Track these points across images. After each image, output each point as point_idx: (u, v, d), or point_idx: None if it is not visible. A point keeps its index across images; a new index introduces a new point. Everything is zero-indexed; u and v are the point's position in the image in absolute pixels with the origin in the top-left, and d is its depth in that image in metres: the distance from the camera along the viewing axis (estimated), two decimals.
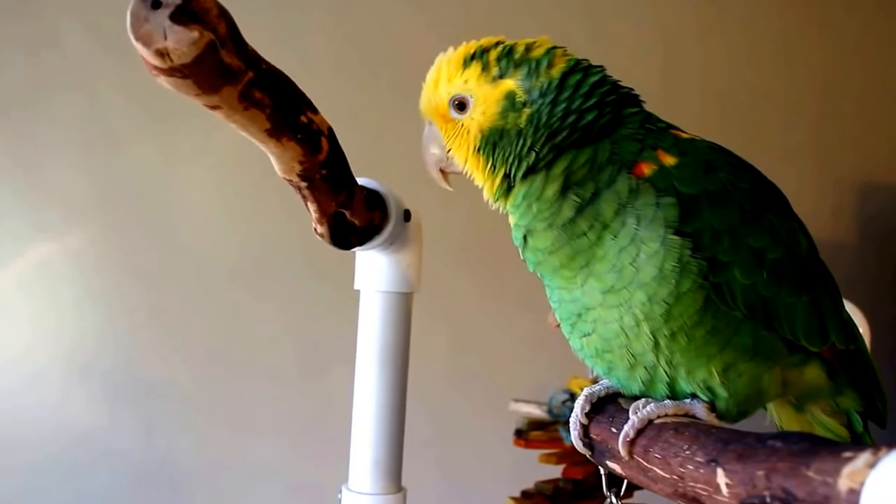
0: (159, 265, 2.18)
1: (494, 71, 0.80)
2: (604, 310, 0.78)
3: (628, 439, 0.76)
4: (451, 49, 0.84)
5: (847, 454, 0.47)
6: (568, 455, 1.58)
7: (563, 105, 0.79)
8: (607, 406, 0.86)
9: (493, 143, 0.81)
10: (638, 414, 0.77)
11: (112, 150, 2.17)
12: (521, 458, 1.67)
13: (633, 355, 0.79)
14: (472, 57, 0.81)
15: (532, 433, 1.65)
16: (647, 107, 0.85)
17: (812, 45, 2.48)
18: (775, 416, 0.91)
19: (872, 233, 2.49)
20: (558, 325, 1.84)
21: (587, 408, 0.85)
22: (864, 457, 0.46)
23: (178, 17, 0.64)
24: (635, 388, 0.82)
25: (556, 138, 0.79)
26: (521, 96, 0.80)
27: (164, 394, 2.14)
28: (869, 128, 2.51)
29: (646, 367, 0.79)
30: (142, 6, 0.64)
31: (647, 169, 0.77)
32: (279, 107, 0.78)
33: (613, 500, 1.05)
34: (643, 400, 0.79)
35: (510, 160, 0.80)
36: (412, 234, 1.09)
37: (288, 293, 2.20)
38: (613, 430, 0.80)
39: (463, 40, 0.84)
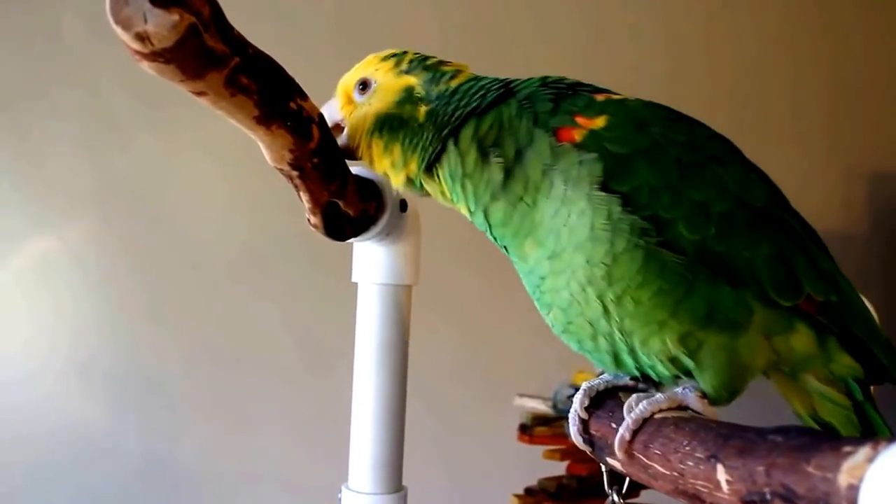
0: (159, 260, 2.17)
1: (403, 67, 0.86)
2: (553, 277, 0.78)
3: (626, 440, 0.74)
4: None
5: (847, 448, 0.46)
6: (573, 451, 1.56)
7: (455, 104, 0.82)
8: (607, 401, 0.83)
9: (389, 129, 0.84)
10: (632, 414, 0.74)
11: (112, 142, 2.16)
12: (525, 454, 1.65)
13: (590, 324, 0.78)
14: (394, 56, 0.87)
15: (537, 429, 1.63)
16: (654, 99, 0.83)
17: (821, 33, 2.44)
18: (777, 387, 0.88)
19: (883, 223, 2.45)
20: None
21: (586, 402, 0.83)
22: (864, 451, 0.45)
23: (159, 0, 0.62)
24: (607, 362, 0.81)
25: (450, 126, 0.82)
26: (419, 92, 0.84)
27: (164, 391, 2.14)
28: (880, 117, 2.47)
29: (605, 337, 0.78)
30: None
31: (577, 135, 0.76)
32: (267, 93, 0.76)
33: (615, 498, 1.03)
34: (635, 397, 0.77)
35: (418, 150, 0.83)
36: (409, 224, 1.07)
37: (290, 288, 2.19)
38: (613, 425, 0.78)
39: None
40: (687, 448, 0.65)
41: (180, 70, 0.68)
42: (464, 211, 0.84)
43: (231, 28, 0.71)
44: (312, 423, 2.16)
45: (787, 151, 2.34)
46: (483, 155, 0.79)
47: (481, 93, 0.82)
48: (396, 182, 0.86)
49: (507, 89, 0.83)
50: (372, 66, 0.87)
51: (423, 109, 0.83)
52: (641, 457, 0.71)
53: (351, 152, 0.89)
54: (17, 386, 2.10)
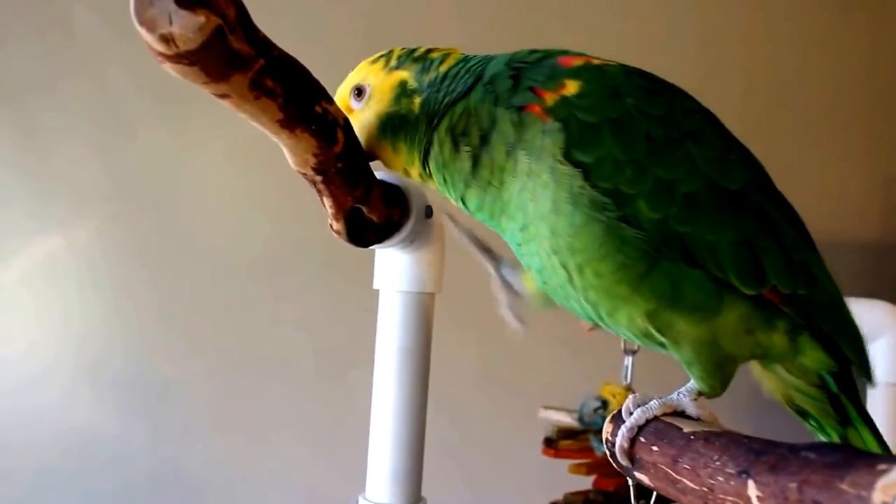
0: (171, 260, 2.14)
1: (392, 63, 0.87)
2: (525, 245, 0.79)
3: (625, 449, 0.75)
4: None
5: (882, 466, 0.46)
6: (599, 465, 1.53)
7: (444, 91, 0.83)
8: (630, 397, 0.82)
9: (392, 128, 0.84)
10: (626, 424, 0.75)
11: (123, 138, 2.13)
12: (550, 468, 1.62)
13: (562, 288, 0.79)
14: (382, 56, 0.88)
15: (562, 442, 1.60)
16: None
17: (861, 37, 2.38)
18: (754, 374, 0.88)
19: None
20: (591, 329, 1.80)
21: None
22: None
23: (185, 0, 0.62)
24: (597, 320, 0.82)
25: (437, 115, 0.82)
26: (412, 84, 0.85)
27: (174, 395, 2.12)
28: None
29: (576, 302, 0.79)
30: None
31: (543, 105, 0.75)
32: (292, 96, 0.75)
33: None
34: (627, 403, 0.77)
35: (415, 144, 0.83)
36: (434, 231, 1.06)
37: (307, 292, 2.16)
38: (642, 439, 0.77)
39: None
40: (717, 463, 0.63)
41: (204, 72, 0.68)
42: (453, 201, 0.85)
43: (256, 29, 0.71)
44: (327, 432, 2.14)
45: (826, 157, 2.30)
46: (454, 144, 0.80)
47: (464, 77, 0.83)
48: (418, 181, 0.87)
49: (478, 74, 0.83)
50: (363, 72, 0.88)
51: (417, 101, 0.84)
52: (670, 471, 0.69)
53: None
54: (23, 389, 2.08)
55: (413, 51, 0.87)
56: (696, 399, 0.78)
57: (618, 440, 0.73)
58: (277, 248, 2.16)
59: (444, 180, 0.83)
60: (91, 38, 2.12)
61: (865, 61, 2.38)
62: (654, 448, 0.73)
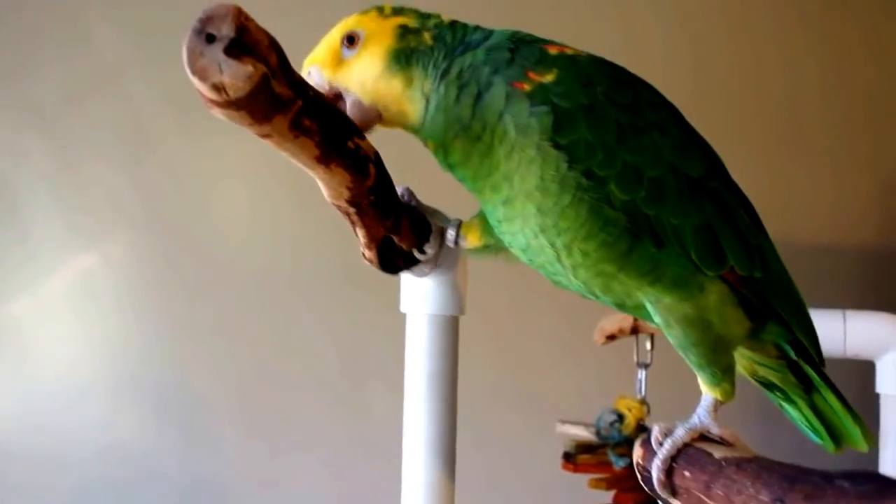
0: (203, 275, 2.17)
1: (387, 13, 0.86)
2: (507, 223, 0.82)
3: (663, 481, 0.77)
4: None
5: None
6: (618, 480, 1.55)
7: (461, 33, 0.85)
8: (654, 427, 0.84)
9: (406, 58, 0.84)
10: (659, 456, 0.78)
11: (154, 157, 2.18)
12: (570, 483, 1.64)
13: (551, 265, 0.82)
14: (373, 8, 0.87)
15: (580, 456, 1.61)
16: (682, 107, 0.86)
17: (858, 42, 2.39)
18: None
19: None
20: (606, 342, 1.81)
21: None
22: None
23: (232, 50, 0.64)
24: (588, 295, 0.86)
25: (454, 51, 0.84)
26: (414, 24, 0.85)
27: (211, 411, 2.16)
28: None
29: (565, 278, 0.83)
30: (196, 40, 0.65)
31: (527, 87, 0.79)
32: (327, 133, 0.78)
33: None
34: (655, 434, 0.80)
35: (430, 69, 0.83)
36: (458, 255, 1.08)
37: (333, 306, 2.19)
38: (674, 464, 0.79)
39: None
40: (751, 490, 0.65)
41: (250, 115, 0.70)
42: (429, 146, 0.85)
43: (293, 72, 0.73)
44: (359, 449, 2.16)
45: (824, 163, 2.30)
46: (459, 91, 0.82)
47: (475, 33, 0.85)
48: (414, 122, 0.85)
49: (486, 34, 0.86)
50: (353, 21, 0.87)
51: (426, 35, 0.85)
52: (703, 496, 0.71)
53: (367, 119, 0.86)
54: (68, 405, 2.12)
55: (403, 7, 0.88)
56: (715, 411, 0.82)
57: (654, 473, 0.75)
58: (310, 265, 2.19)
59: (438, 117, 0.82)
60: (116, 60, 2.16)
61: (862, 68, 2.38)
62: (686, 473, 0.75)
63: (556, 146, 0.77)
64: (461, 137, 0.81)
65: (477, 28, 0.87)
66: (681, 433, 0.78)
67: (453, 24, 0.86)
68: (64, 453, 2.11)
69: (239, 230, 2.22)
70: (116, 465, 2.12)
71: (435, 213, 0.97)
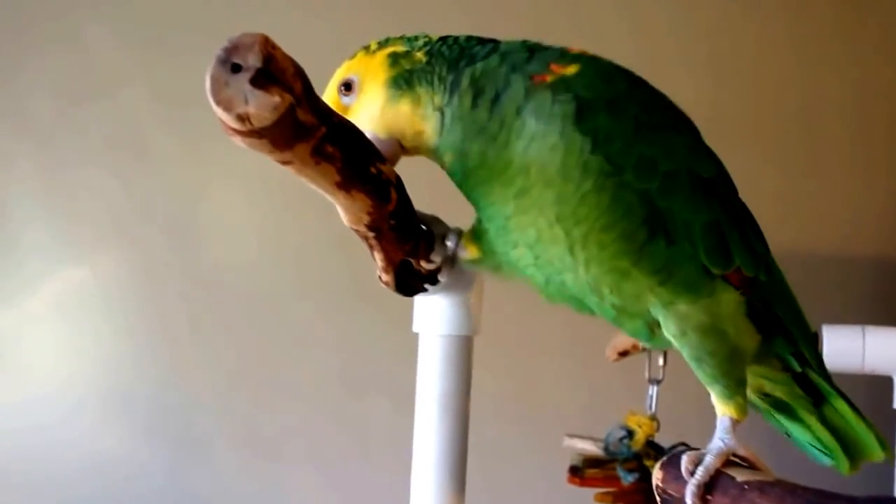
0: (195, 287, 2.15)
1: (373, 48, 0.88)
2: (518, 216, 0.82)
3: None
4: None
5: None
6: (626, 495, 1.54)
7: (458, 47, 0.86)
8: (683, 457, 0.84)
9: (405, 81, 0.85)
10: (693, 484, 0.77)
11: (146, 164, 2.15)
12: (576, 497, 1.64)
13: (557, 261, 0.82)
14: (359, 50, 0.89)
15: (588, 471, 1.61)
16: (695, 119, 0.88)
17: (874, 56, 2.36)
18: None
19: None
20: (618, 358, 1.81)
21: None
22: None
23: (259, 80, 0.64)
24: (574, 304, 0.87)
25: (463, 60, 0.85)
26: (403, 49, 0.86)
27: (204, 425, 2.13)
28: None
29: (571, 273, 0.82)
30: (221, 70, 0.65)
31: (549, 79, 0.80)
32: (349, 159, 0.78)
33: None
34: (684, 463, 0.79)
35: (435, 82, 0.84)
36: (472, 274, 1.08)
37: (331, 317, 2.16)
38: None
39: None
40: None
41: (271, 143, 0.70)
42: (446, 161, 0.85)
43: (318, 99, 0.73)
44: (360, 466, 2.14)
45: (842, 175, 2.29)
46: (475, 98, 0.82)
47: (477, 47, 0.86)
48: (432, 130, 0.85)
49: (493, 46, 0.86)
50: (344, 69, 0.89)
51: (418, 54, 0.86)
52: None
53: (389, 152, 0.86)
54: (58, 421, 2.10)
55: (388, 38, 0.90)
56: (733, 431, 0.82)
57: (689, 501, 0.75)
58: (308, 279, 2.16)
59: (455, 127, 0.83)
60: (111, 68, 2.14)
61: (886, 79, 2.37)
62: (709, 497, 0.75)
63: (582, 132, 0.78)
64: (478, 140, 0.82)
65: (471, 38, 0.88)
66: (711, 460, 0.78)
67: (444, 39, 0.88)
68: (52, 468, 2.08)
69: (235, 240, 2.19)
70: (106, 479, 2.09)
71: (434, 221, 0.97)
